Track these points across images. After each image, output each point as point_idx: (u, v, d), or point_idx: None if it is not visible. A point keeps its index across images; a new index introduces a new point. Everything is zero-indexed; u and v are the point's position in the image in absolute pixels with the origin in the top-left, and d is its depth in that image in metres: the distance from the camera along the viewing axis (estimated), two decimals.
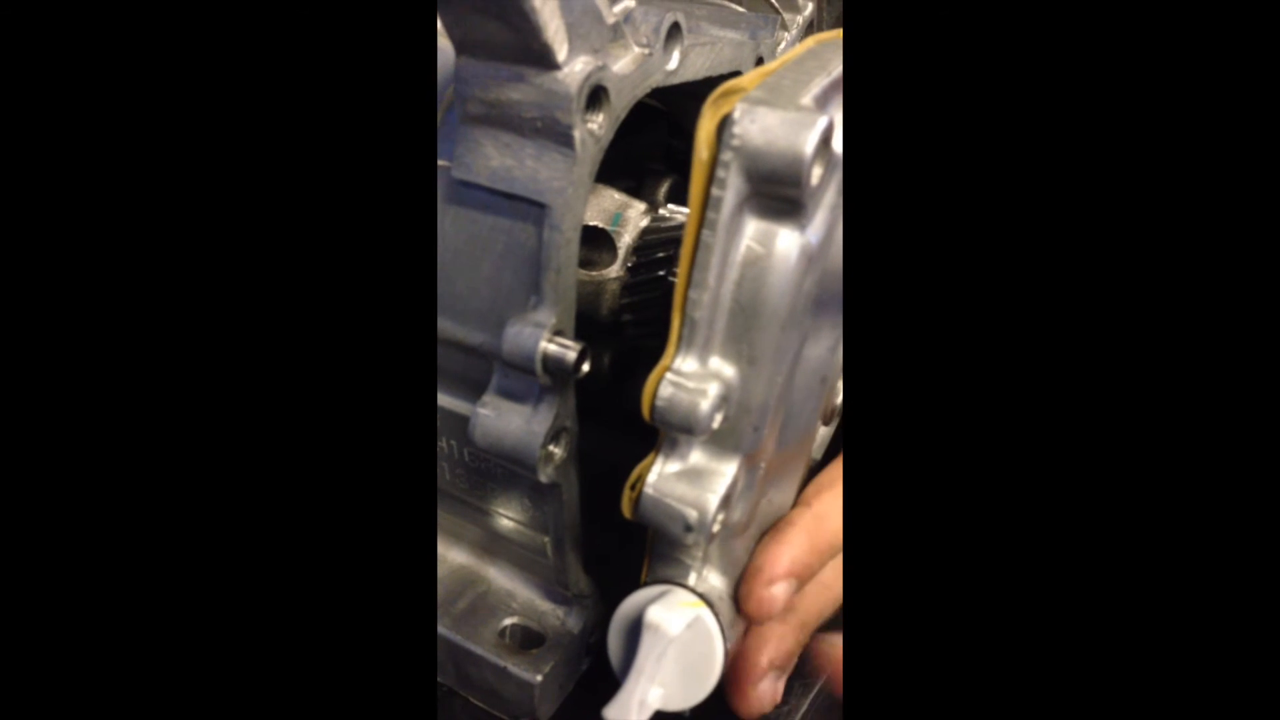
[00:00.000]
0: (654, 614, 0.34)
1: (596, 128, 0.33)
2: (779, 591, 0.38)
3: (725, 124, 0.29)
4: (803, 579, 0.39)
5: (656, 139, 0.53)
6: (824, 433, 0.52)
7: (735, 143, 0.29)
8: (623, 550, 0.47)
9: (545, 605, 0.49)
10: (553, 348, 0.35)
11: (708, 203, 0.30)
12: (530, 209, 0.34)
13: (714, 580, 0.38)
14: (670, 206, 0.48)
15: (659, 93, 0.38)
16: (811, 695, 0.47)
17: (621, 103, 0.34)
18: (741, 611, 0.38)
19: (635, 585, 0.39)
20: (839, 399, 0.53)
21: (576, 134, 0.32)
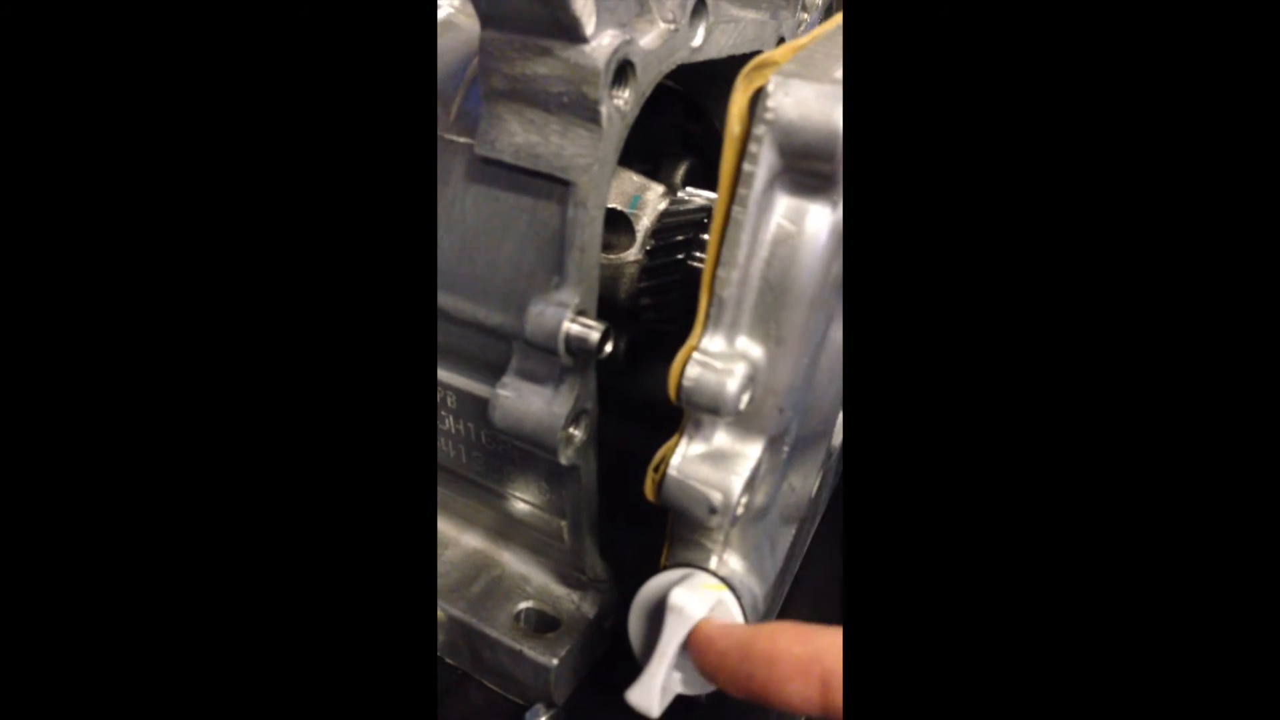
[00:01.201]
0: (678, 596, 0.34)
1: (623, 103, 0.33)
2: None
3: (758, 98, 0.29)
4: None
5: (673, 121, 0.53)
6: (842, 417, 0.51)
7: (769, 116, 0.28)
8: (637, 536, 0.47)
9: (560, 590, 0.48)
10: (576, 328, 0.35)
11: (739, 179, 0.30)
12: (555, 187, 0.34)
13: (735, 564, 0.38)
14: (689, 189, 0.47)
15: (677, 73, 0.38)
16: None
17: (648, 78, 0.34)
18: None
19: (649, 571, 0.39)
20: None
21: (604, 109, 0.32)
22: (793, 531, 0.43)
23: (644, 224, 0.44)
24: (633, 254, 0.44)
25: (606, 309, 0.45)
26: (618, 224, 0.44)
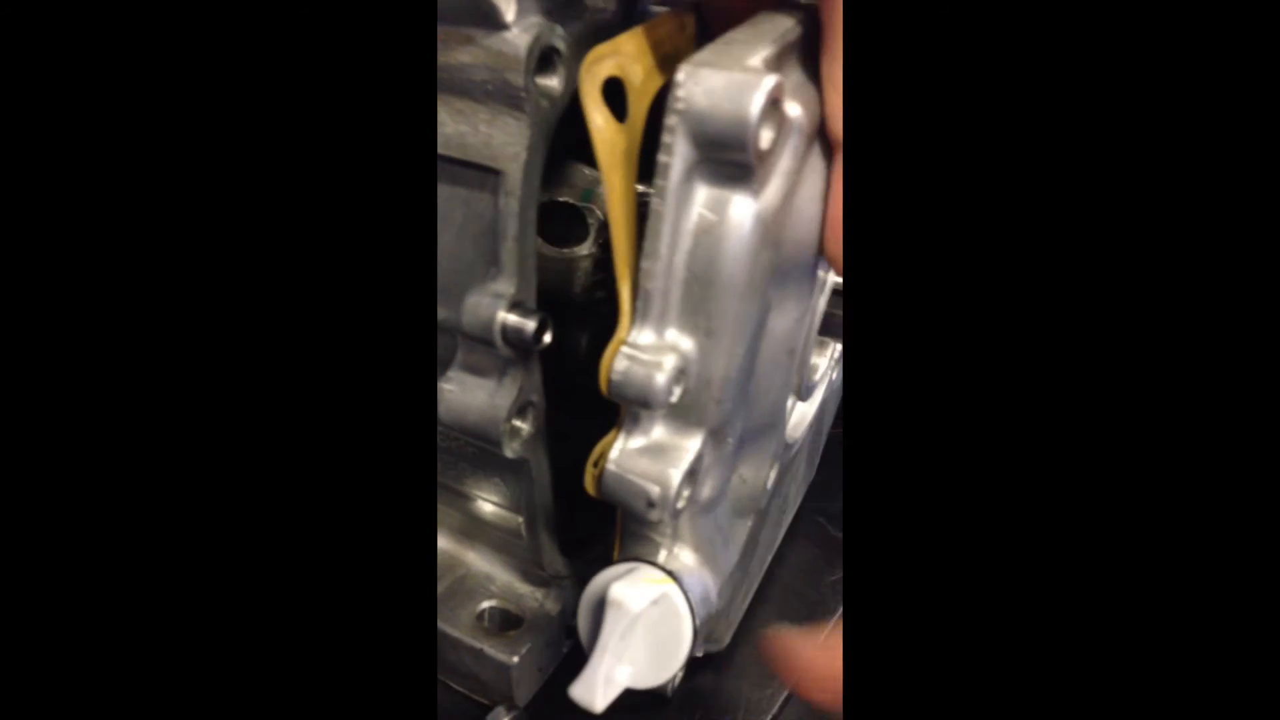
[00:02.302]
0: (617, 591, 0.34)
1: (552, 89, 0.32)
2: None
3: (615, 89, 0.29)
4: None
5: None
6: (803, 409, 0.51)
7: (679, 106, 0.28)
8: (604, 532, 0.47)
9: (524, 588, 0.48)
10: (512, 318, 0.34)
11: (626, 171, 0.29)
12: (486, 176, 0.34)
13: (685, 557, 0.37)
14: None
15: None
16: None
17: (578, 65, 0.33)
18: None
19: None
20: (817, 375, 0.52)
21: (528, 96, 0.31)
22: (749, 524, 0.42)
23: (598, 217, 0.44)
24: (586, 247, 0.44)
25: (562, 304, 0.44)
26: (571, 218, 0.44)
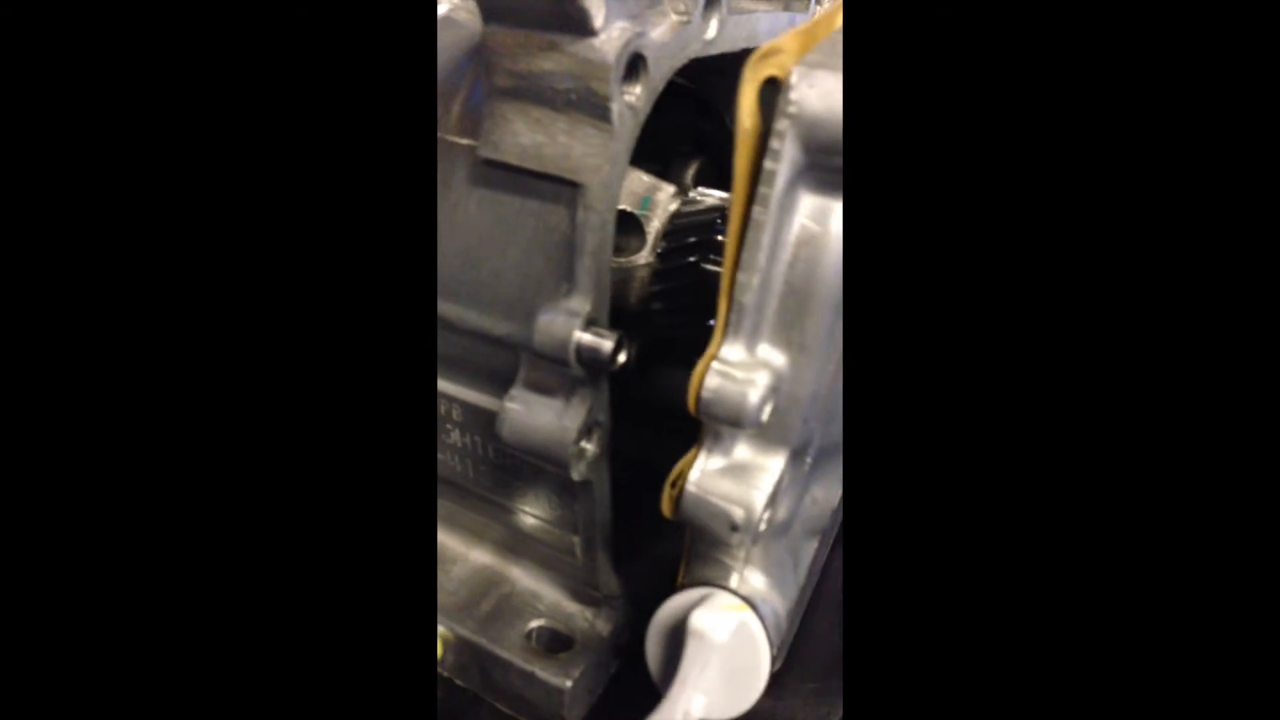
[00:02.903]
0: (699, 620, 0.32)
1: (634, 100, 0.31)
2: None
3: (772, 90, 0.27)
4: None
5: (683, 119, 0.51)
6: None
7: (792, 109, 0.26)
8: (650, 547, 0.45)
9: (573, 606, 0.47)
10: (587, 337, 0.33)
11: (759, 177, 0.28)
12: (563, 189, 0.32)
13: (756, 581, 0.36)
14: (700, 189, 0.45)
15: (686, 69, 0.36)
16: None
17: (660, 73, 0.32)
18: None
19: (664, 584, 0.37)
20: None
21: (614, 106, 0.30)
22: (815, 545, 0.41)
23: (655, 226, 0.43)
24: (644, 257, 0.43)
25: (616, 313, 0.43)
26: (628, 226, 0.43)
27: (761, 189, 0.28)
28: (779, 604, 0.37)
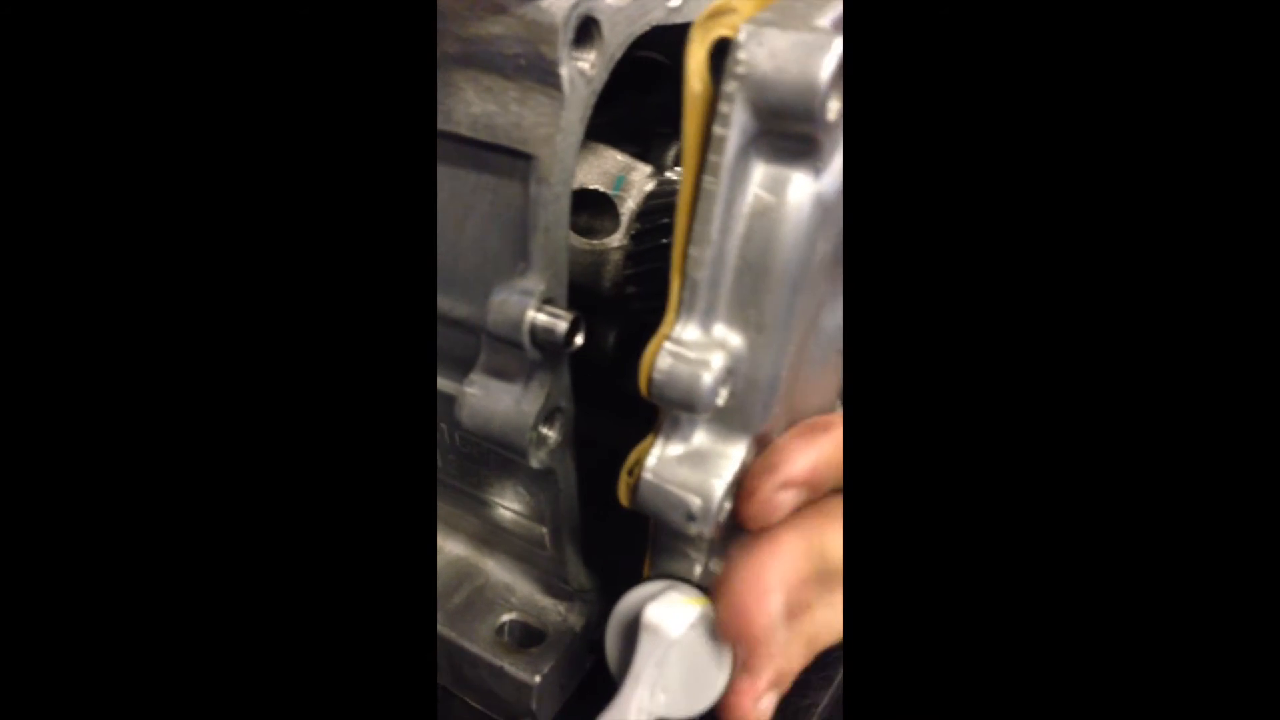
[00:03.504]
0: (653, 613, 0.31)
1: (588, 66, 0.30)
2: (787, 498, 0.31)
3: (724, 52, 0.26)
4: (817, 492, 0.32)
5: (662, 99, 0.50)
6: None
7: (740, 70, 0.25)
8: (627, 541, 0.44)
9: (545, 600, 0.45)
10: (542, 318, 0.32)
11: (708, 144, 0.26)
12: (516, 162, 0.31)
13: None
14: (677, 169, 0.44)
15: (665, 45, 0.35)
16: (831, 689, 0.43)
17: (616, 39, 0.30)
18: (739, 514, 0.32)
19: (641, 580, 0.36)
20: None
21: (564, 71, 0.29)
22: None
23: (629, 206, 0.41)
24: (617, 239, 0.41)
25: (591, 299, 0.42)
26: (601, 207, 0.41)
27: (711, 157, 0.26)
28: None
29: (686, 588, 0.33)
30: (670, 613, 0.31)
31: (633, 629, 0.32)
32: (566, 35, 0.28)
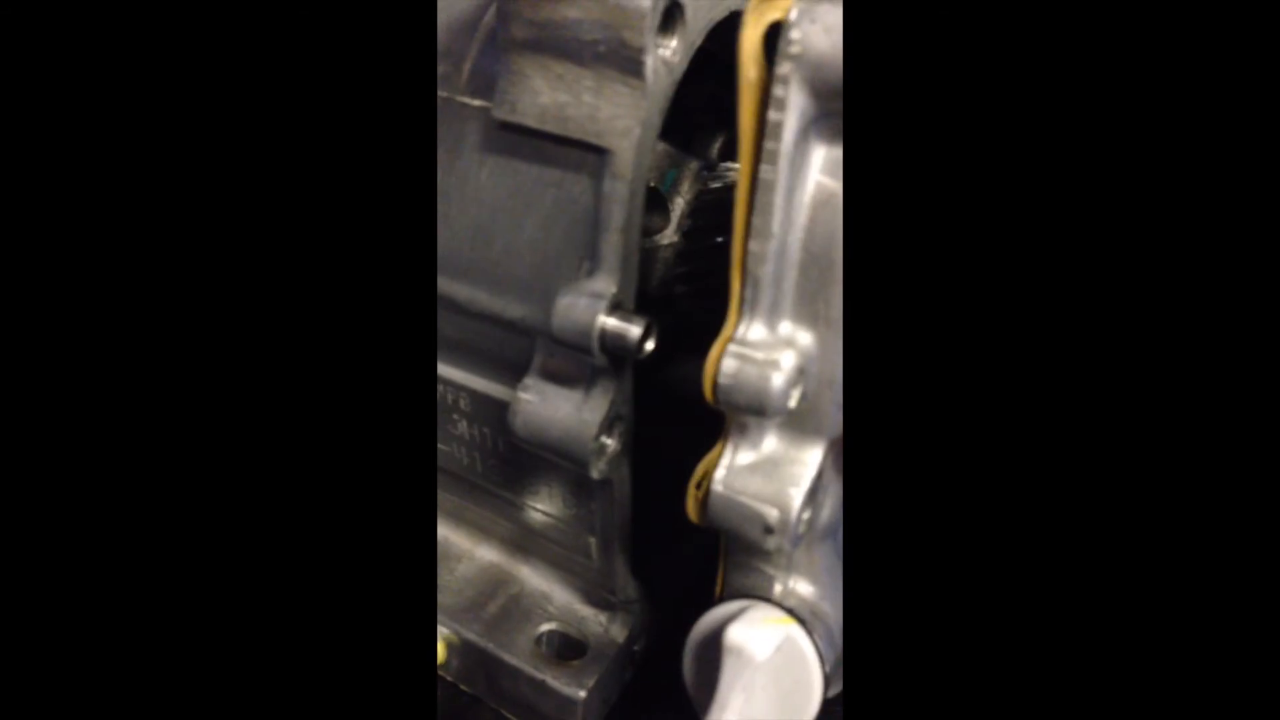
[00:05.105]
0: (736, 634, 0.29)
1: (670, 54, 0.28)
2: None
3: (777, 33, 0.24)
4: None
5: (706, 89, 0.48)
6: None
7: (794, 50, 0.23)
8: (669, 547, 0.42)
9: (586, 610, 0.44)
10: (613, 323, 0.30)
11: (764, 131, 0.25)
12: (587, 156, 0.29)
13: (802, 590, 0.33)
14: (726, 164, 0.42)
15: (712, 31, 0.33)
16: None
17: (698, 25, 0.29)
18: None
19: (683, 587, 0.34)
20: None
21: (648, 60, 0.27)
22: None
23: (680, 203, 0.40)
24: (668, 236, 0.39)
25: (637, 297, 0.40)
26: (651, 203, 0.40)
27: (768, 144, 0.25)
28: (829, 615, 0.34)
29: (768, 608, 0.31)
30: (754, 634, 0.29)
31: (712, 651, 0.31)
32: (654, 20, 0.26)
